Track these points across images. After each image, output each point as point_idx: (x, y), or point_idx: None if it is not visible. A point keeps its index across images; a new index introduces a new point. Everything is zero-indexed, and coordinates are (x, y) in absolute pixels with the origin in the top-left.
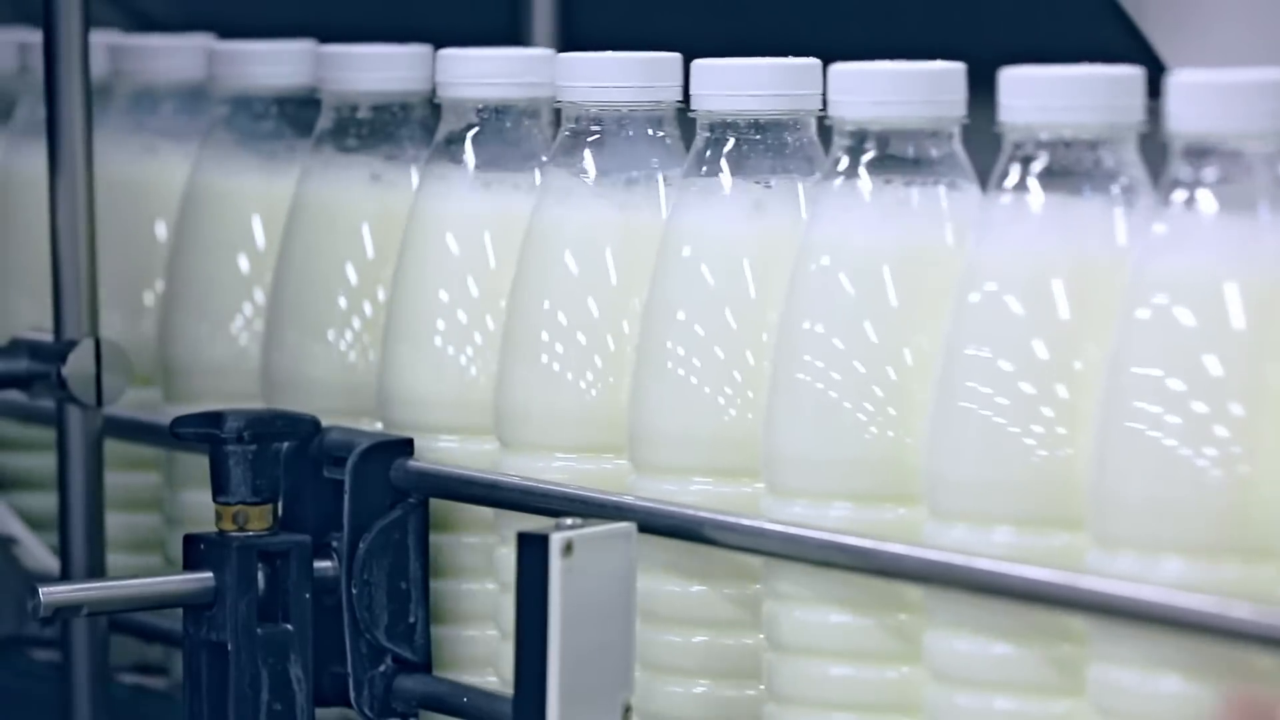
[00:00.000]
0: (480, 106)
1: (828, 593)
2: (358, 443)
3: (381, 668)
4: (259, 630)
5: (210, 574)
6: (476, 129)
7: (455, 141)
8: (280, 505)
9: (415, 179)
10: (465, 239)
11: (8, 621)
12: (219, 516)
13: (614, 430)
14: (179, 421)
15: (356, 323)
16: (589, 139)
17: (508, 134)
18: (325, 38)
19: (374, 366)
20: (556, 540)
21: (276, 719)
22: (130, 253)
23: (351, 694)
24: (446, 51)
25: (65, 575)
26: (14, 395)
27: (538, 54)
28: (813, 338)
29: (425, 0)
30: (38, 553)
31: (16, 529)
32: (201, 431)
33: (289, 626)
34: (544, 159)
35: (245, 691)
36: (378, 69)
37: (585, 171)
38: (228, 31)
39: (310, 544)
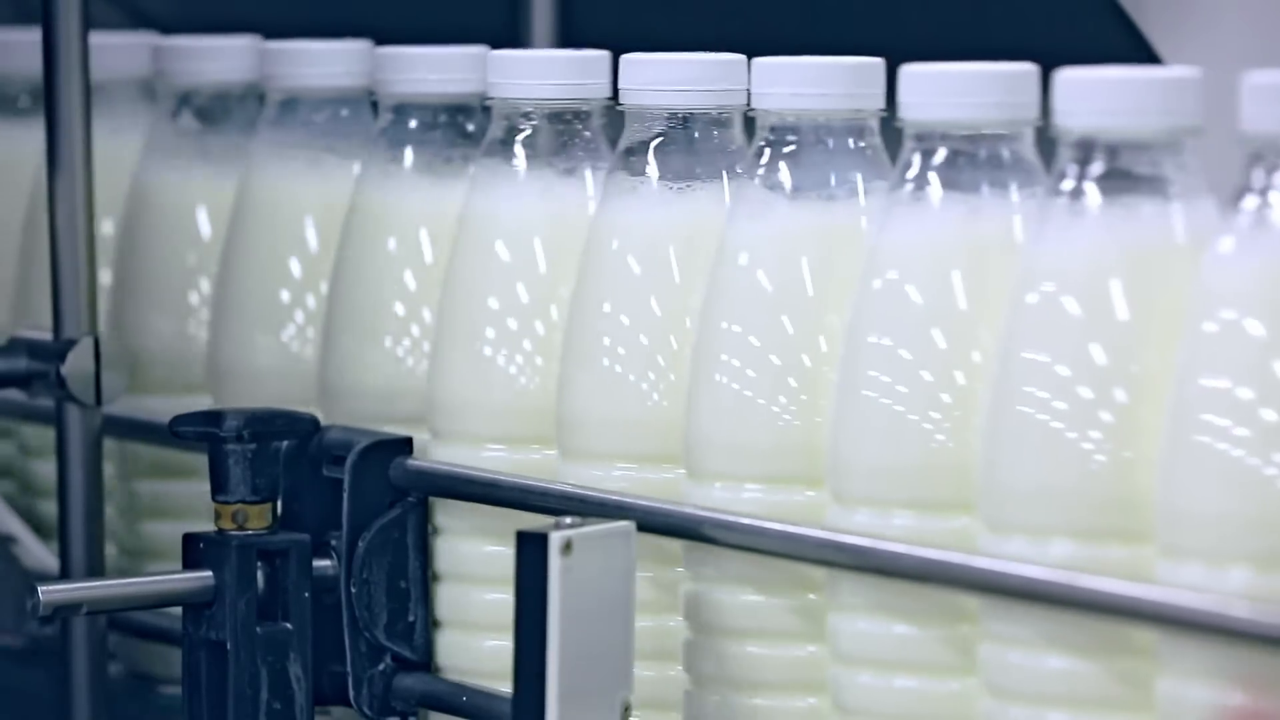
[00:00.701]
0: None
1: (888, 604)
2: (357, 441)
3: (381, 666)
4: (258, 629)
5: (209, 573)
6: (528, 132)
7: (505, 145)
8: (279, 504)
9: (467, 180)
10: (518, 243)
11: (7, 620)
12: (218, 515)
13: (674, 441)
14: (178, 420)
15: (415, 329)
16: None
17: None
18: (328, 36)
19: (427, 373)
20: (556, 539)
21: (276, 718)
22: (178, 258)
23: (351, 693)
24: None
25: (64, 574)
26: (13, 394)
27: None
28: (877, 348)
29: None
30: (37, 552)
31: (15, 528)
32: (201, 430)
33: (288, 625)
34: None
35: (244, 690)
36: (434, 70)
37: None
38: (229, 31)
39: (309, 543)
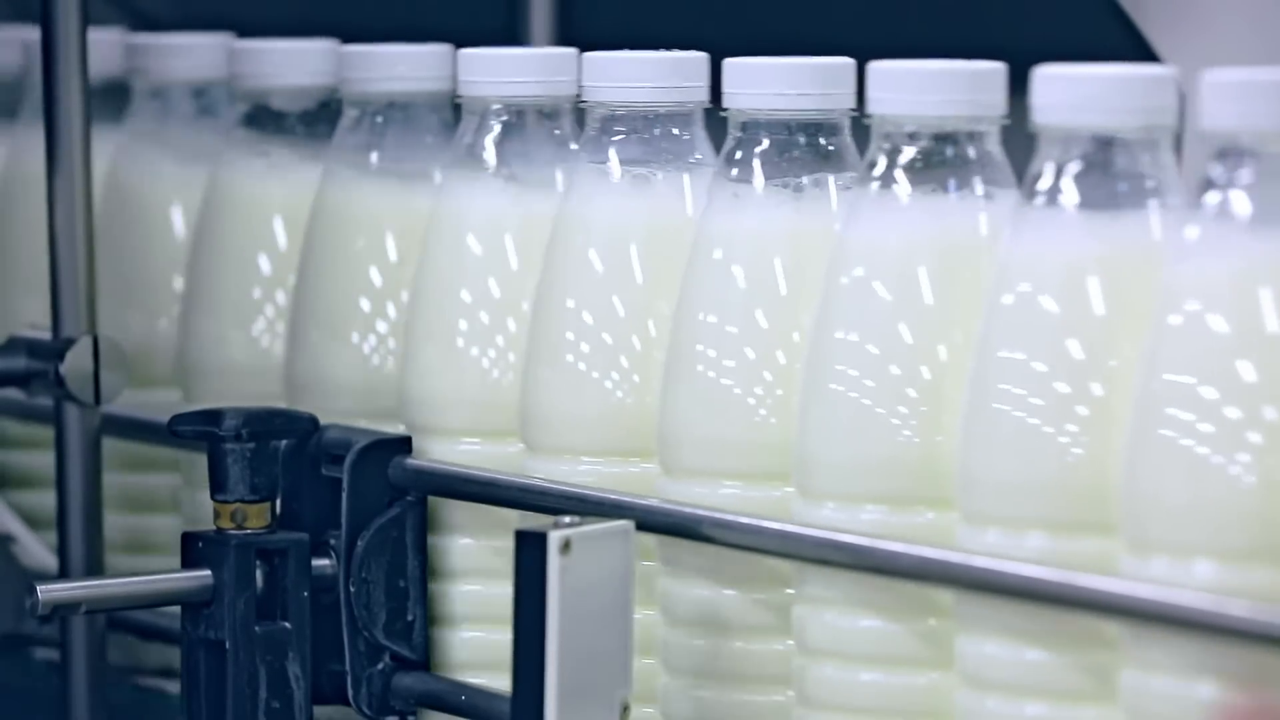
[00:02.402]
0: (499, 106)
1: (855, 597)
2: (356, 441)
3: (380, 666)
4: (257, 628)
5: (208, 572)
6: (499, 129)
7: (475, 142)
8: (278, 503)
9: (437, 179)
10: (488, 240)
11: (6, 619)
12: (217, 514)
13: (642, 434)
14: (177, 419)
15: (381, 324)
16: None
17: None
18: (318, 36)
19: (397, 369)
20: (555, 538)
21: (274, 717)
22: (150, 254)
23: (350, 692)
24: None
25: (63, 573)
26: (12, 393)
27: (558, 53)
28: (845, 344)
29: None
30: (36, 551)
31: (15, 527)
32: (200, 429)
33: (287, 624)
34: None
35: (243, 689)
36: (400, 68)
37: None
38: (231, 30)
39: (308, 542)
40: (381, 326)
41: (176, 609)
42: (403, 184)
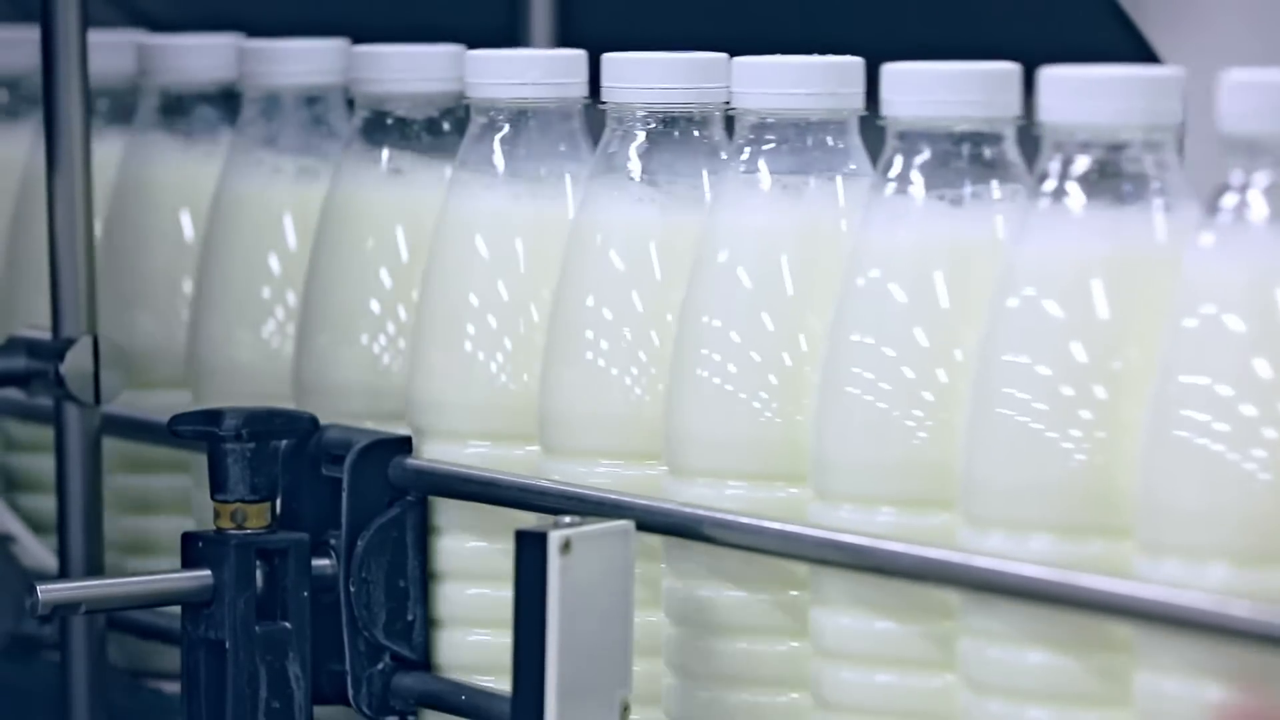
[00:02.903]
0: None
1: (871, 599)
2: (356, 441)
3: (380, 666)
4: (257, 628)
5: (208, 572)
6: (506, 129)
7: (485, 142)
8: (279, 503)
9: (446, 180)
10: (496, 241)
11: (6, 619)
12: (217, 514)
13: (659, 437)
14: (177, 419)
15: (390, 326)
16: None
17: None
18: (324, 36)
19: (405, 371)
20: (555, 538)
21: (275, 717)
22: (162, 254)
23: (350, 692)
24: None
25: (63, 573)
26: (12, 393)
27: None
28: (860, 346)
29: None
30: (36, 551)
31: (15, 527)
32: (200, 429)
33: (287, 624)
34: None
35: (243, 689)
36: (409, 69)
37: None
38: (233, 30)
39: (308, 542)
40: (391, 327)
41: (176, 609)
42: (412, 182)
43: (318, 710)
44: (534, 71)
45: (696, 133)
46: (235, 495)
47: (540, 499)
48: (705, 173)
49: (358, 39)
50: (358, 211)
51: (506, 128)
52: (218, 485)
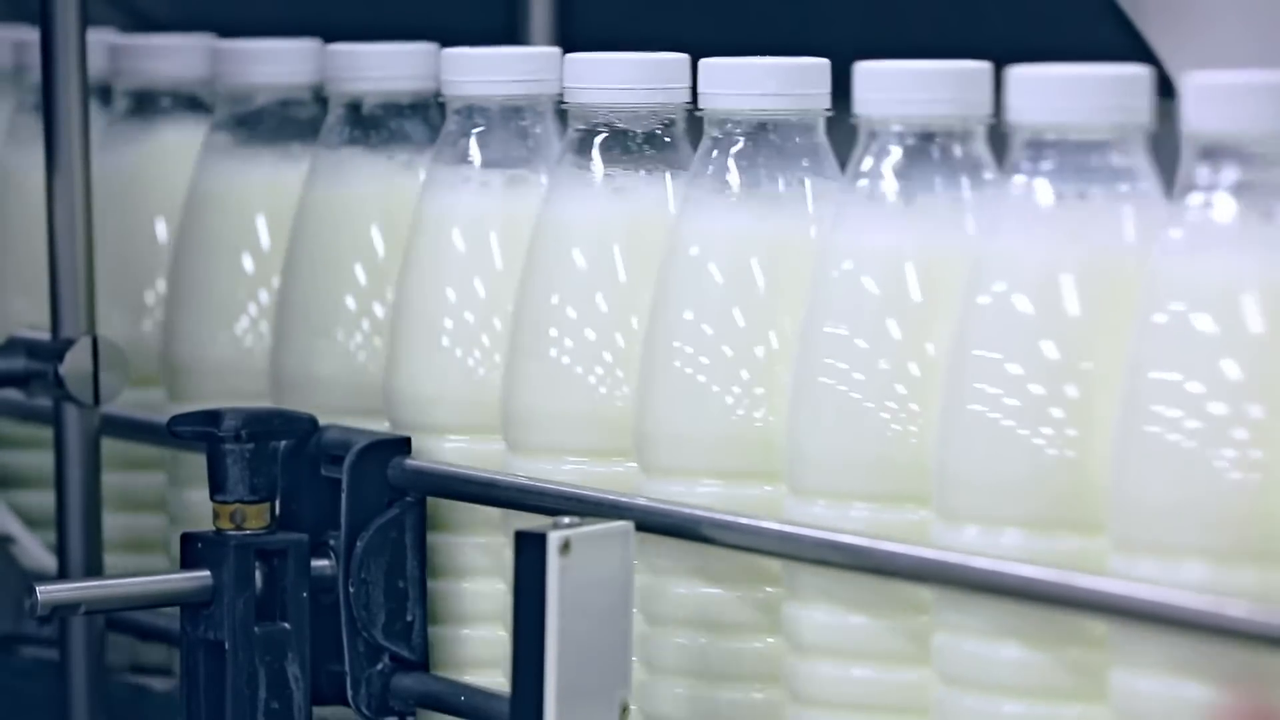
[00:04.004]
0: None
1: (846, 594)
2: (355, 441)
3: (379, 666)
4: (256, 629)
5: (208, 573)
6: (481, 128)
7: (462, 140)
8: (278, 504)
9: (421, 177)
10: (473, 238)
11: (5, 620)
12: (216, 515)
13: (627, 433)
14: (177, 420)
15: (365, 322)
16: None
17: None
18: (324, 37)
19: (381, 366)
20: (554, 539)
21: (274, 717)
22: (132, 252)
23: (349, 692)
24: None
25: (63, 574)
26: (11, 394)
27: (538, 53)
28: (834, 340)
29: None
30: (35, 551)
31: (14, 528)
32: (199, 430)
33: (286, 625)
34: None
35: (243, 690)
36: (385, 68)
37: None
38: (228, 31)
39: (308, 542)
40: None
41: (176, 609)
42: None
43: (317, 711)
44: (508, 70)
45: (659, 132)
46: (234, 496)
47: (540, 499)
48: (667, 176)
49: (353, 39)
50: (333, 208)
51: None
52: (217, 486)
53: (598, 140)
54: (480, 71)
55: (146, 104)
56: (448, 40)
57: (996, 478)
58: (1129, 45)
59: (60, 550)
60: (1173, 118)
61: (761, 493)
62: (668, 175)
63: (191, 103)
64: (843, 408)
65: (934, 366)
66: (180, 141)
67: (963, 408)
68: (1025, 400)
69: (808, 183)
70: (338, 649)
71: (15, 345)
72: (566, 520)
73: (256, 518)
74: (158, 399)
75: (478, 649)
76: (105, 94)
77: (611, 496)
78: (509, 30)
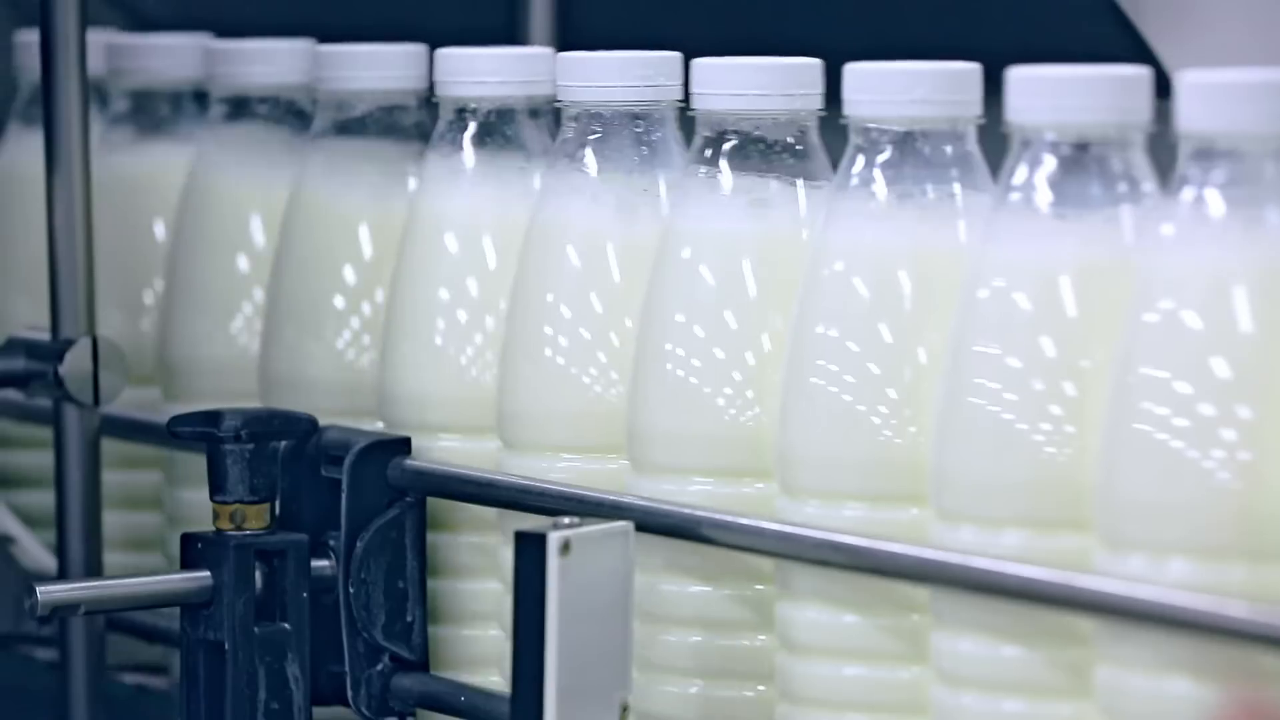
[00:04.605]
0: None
1: (838, 593)
2: (355, 442)
3: (379, 667)
4: (256, 629)
5: (208, 573)
6: (476, 127)
7: (449, 138)
8: (278, 504)
9: (413, 176)
10: (466, 237)
11: (5, 620)
12: (216, 515)
13: (621, 431)
14: (176, 420)
15: (356, 322)
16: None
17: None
18: (322, 37)
19: (373, 365)
20: (554, 539)
21: (274, 718)
22: (129, 252)
23: (349, 693)
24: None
25: (62, 574)
26: (11, 394)
27: (538, 53)
28: (826, 340)
29: None
30: (35, 551)
31: (14, 528)
32: (199, 430)
33: (286, 625)
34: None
35: (242, 690)
36: (377, 68)
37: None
38: (225, 31)
39: (308, 543)
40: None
41: (176, 609)
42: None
43: (317, 711)
44: (502, 70)
45: (648, 131)
46: (234, 496)
47: (540, 500)
48: (660, 174)
49: (353, 39)
50: (325, 208)
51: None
52: (217, 486)
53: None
54: (477, 72)
55: (144, 104)
56: (445, 40)
57: (994, 477)
58: (1129, 45)
59: (60, 550)
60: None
61: (754, 490)
62: (659, 175)
63: (193, 102)
64: (832, 407)
65: (925, 367)
66: (178, 143)
67: (960, 407)
68: (1023, 399)
69: (800, 181)
70: (338, 649)
71: (15, 345)
72: (566, 520)
73: (256, 518)
74: (154, 398)
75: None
76: (101, 95)
77: (611, 497)
78: (509, 30)
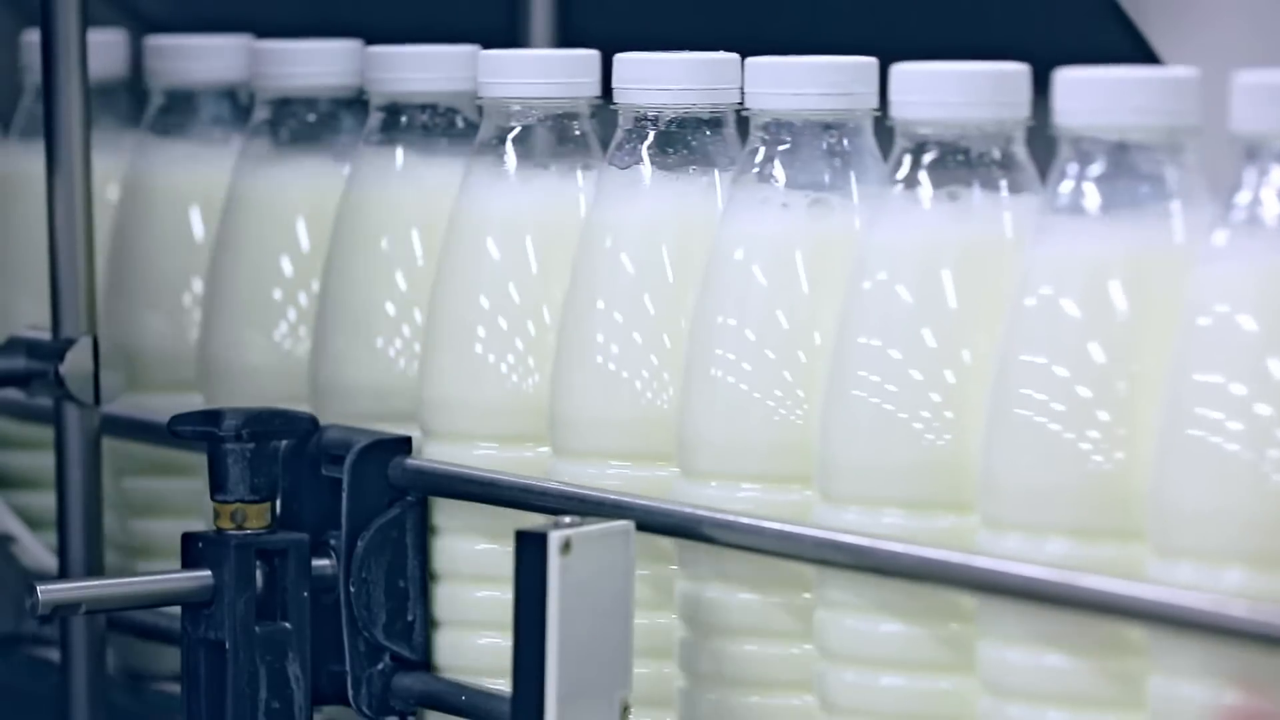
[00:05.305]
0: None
1: (878, 600)
2: (356, 441)
3: (380, 666)
4: (257, 628)
5: (208, 572)
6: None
7: (499, 142)
8: (278, 503)
9: (459, 179)
10: (509, 242)
11: (6, 619)
12: (217, 515)
13: (669, 438)
14: (177, 420)
15: (405, 328)
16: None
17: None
18: (325, 36)
19: (418, 371)
20: (555, 538)
21: (274, 717)
22: (172, 256)
23: (350, 692)
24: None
25: (63, 573)
26: (12, 394)
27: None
28: (869, 348)
29: None
30: (35, 551)
31: (14, 527)
32: (200, 430)
33: (287, 625)
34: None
35: (243, 690)
36: (424, 69)
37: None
38: (224, 31)
39: (308, 542)
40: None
41: (176, 609)
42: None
43: (317, 711)
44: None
45: (708, 133)
46: (235, 495)
47: (540, 499)
48: (717, 172)
49: (353, 39)
50: (372, 212)
51: (519, 128)
52: (217, 485)
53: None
54: (522, 74)
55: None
56: (445, 40)
57: (1041, 484)
58: (1129, 45)
59: (60, 550)
60: None
61: (802, 498)
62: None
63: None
64: (873, 414)
65: (968, 373)
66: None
67: (1008, 414)
68: (1071, 405)
69: (853, 182)
70: (338, 649)
71: (15, 345)
72: (567, 520)
73: (257, 517)
74: (196, 405)
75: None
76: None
77: (612, 496)
78: (509, 30)
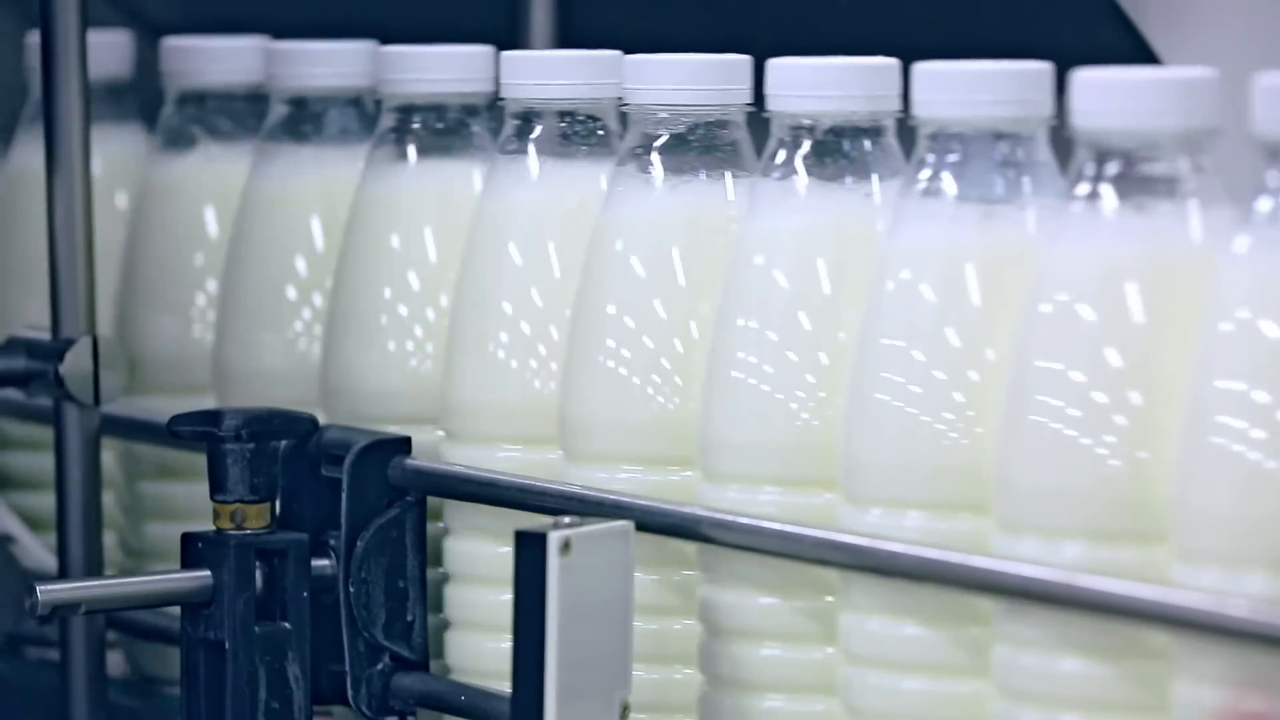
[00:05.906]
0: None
1: (901, 604)
2: (355, 441)
3: (379, 666)
4: (257, 629)
5: (208, 572)
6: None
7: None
8: (278, 503)
9: (478, 180)
10: (530, 244)
11: (6, 619)
12: (216, 515)
13: (684, 442)
14: (177, 420)
15: (419, 329)
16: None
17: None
18: (324, 36)
19: (436, 375)
20: (554, 539)
21: (274, 717)
22: (184, 259)
23: (349, 692)
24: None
25: (63, 573)
26: (11, 394)
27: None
28: (888, 350)
29: None
30: (35, 551)
31: (14, 527)
32: (200, 430)
33: (287, 625)
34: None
35: (243, 690)
36: (439, 70)
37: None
38: (227, 32)
39: (308, 542)
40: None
41: (176, 609)
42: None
43: (317, 710)
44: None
45: (719, 134)
46: (235, 495)
47: (539, 499)
48: (728, 175)
49: (353, 39)
50: (385, 213)
51: (539, 129)
52: (217, 485)
53: (657, 144)
54: (543, 75)
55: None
56: (446, 41)
57: (1057, 487)
58: (1129, 45)
59: (60, 550)
60: None
61: (825, 501)
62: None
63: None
64: (896, 416)
65: (993, 374)
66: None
67: (1023, 417)
68: (1087, 409)
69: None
70: (338, 649)
71: (15, 345)
72: (567, 520)
73: (257, 517)
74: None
75: (479, 651)
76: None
77: (612, 496)
78: (509, 30)
